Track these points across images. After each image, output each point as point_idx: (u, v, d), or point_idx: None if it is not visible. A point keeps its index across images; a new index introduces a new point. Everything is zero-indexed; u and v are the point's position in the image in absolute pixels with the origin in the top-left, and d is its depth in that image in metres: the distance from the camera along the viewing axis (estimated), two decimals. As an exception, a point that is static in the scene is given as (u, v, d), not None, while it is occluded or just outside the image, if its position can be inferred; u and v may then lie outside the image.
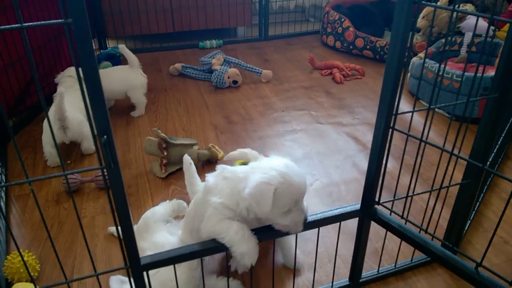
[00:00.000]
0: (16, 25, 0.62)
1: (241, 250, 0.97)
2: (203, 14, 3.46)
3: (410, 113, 1.02)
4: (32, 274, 1.29)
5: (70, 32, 0.63)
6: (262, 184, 0.95)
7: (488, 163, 0.92)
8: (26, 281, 1.26)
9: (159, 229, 1.35)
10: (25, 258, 1.29)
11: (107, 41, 3.36)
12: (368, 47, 3.13)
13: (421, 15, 2.85)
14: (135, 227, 1.43)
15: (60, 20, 0.62)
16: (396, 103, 0.98)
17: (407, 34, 0.90)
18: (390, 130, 1.01)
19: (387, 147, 1.03)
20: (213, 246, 1.00)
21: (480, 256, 0.90)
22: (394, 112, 0.98)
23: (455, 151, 0.95)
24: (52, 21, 0.63)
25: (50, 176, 0.77)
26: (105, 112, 0.69)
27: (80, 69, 0.65)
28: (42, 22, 0.63)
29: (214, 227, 1.01)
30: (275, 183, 0.95)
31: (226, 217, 1.01)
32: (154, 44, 3.48)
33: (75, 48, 0.65)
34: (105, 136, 0.69)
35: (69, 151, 2.01)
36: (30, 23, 0.63)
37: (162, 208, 1.45)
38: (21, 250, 1.27)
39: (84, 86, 0.66)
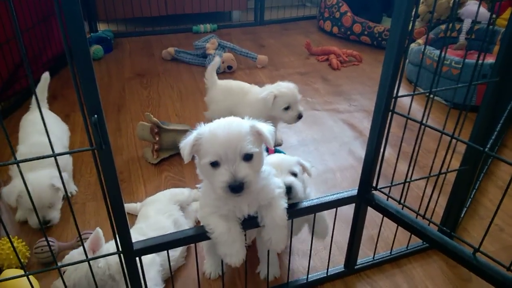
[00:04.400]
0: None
1: (224, 251, 0.95)
2: (197, -3, 3.39)
3: (408, 101, 1.00)
4: (22, 260, 1.26)
5: (59, 8, 0.59)
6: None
7: (487, 148, 0.90)
8: (16, 268, 1.24)
9: (169, 213, 1.31)
10: (14, 245, 1.26)
11: (98, 24, 3.28)
12: (366, 32, 3.09)
13: (420, 0, 2.81)
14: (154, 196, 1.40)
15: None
16: (396, 87, 0.95)
17: (409, 19, 0.87)
18: (390, 113, 0.98)
19: (386, 131, 1.01)
20: (205, 232, 0.97)
21: (476, 243, 0.89)
22: (394, 96, 0.96)
23: (454, 139, 0.93)
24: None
25: (40, 157, 0.74)
26: (95, 90, 0.66)
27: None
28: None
29: (204, 218, 0.99)
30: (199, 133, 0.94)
31: (214, 212, 0.97)
32: (147, 28, 3.41)
33: (65, 26, 0.61)
34: (95, 116, 0.66)
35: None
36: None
37: (188, 192, 1.46)
38: (10, 236, 1.24)
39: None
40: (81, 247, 0.92)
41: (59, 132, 1.66)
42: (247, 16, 3.74)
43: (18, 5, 2.19)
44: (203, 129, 0.92)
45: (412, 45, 2.49)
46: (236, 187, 0.87)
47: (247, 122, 0.93)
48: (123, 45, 3.15)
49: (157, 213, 1.30)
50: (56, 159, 0.74)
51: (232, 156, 0.87)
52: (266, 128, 0.93)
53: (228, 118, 0.94)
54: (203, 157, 0.90)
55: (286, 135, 2.02)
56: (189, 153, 0.90)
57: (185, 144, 0.91)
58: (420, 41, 2.56)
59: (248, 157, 0.89)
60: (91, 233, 1.35)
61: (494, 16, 1.76)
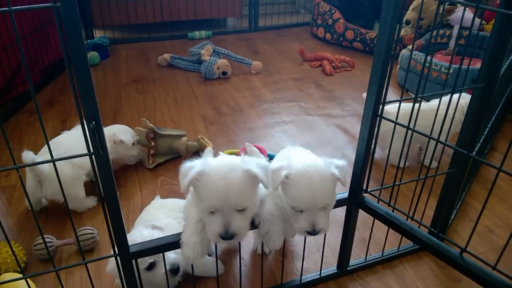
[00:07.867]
0: (4, 8, 0.61)
1: (183, 238, 0.96)
2: (192, 4, 3.42)
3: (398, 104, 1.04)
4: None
5: (58, 17, 0.62)
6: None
7: (475, 152, 0.93)
8: (14, 272, 1.25)
9: (178, 220, 1.28)
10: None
11: (94, 31, 3.31)
12: (358, 39, 3.14)
13: (411, 7, 2.87)
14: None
15: (48, 4, 0.61)
16: (383, 93, 0.99)
17: (395, 25, 0.91)
18: (378, 118, 1.02)
19: (375, 135, 1.04)
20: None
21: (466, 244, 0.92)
22: (381, 101, 0.99)
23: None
24: (40, 5, 0.62)
25: (38, 163, 0.76)
26: (93, 97, 0.68)
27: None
28: (30, 6, 0.62)
29: (185, 209, 1.03)
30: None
31: (193, 217, 0.98)
32: (142, 34, 3.44)
33: (64, 34, 0.64)
34: (93, 122, 0.68)
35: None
36: (18, 7, 0.62)
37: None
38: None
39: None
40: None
41: None
42: (241, 22, 3.78)
43: (15, 13, 2.22)
44: (206, 166, 0.89)
45: (404, 51, 2.54)
46: (228, 238, 0.90)
47: (243, 165, 0.89)
48: (119, 51, 3.18)
49: (167, 217, 1.28)
50: (54, 164, 0.77)
51: (227, 208, 0.88)
52: (261, 169, 0.90)
53: (229, 161, 0.92)
54: (199, 199, 0.90)
55: (280, 140, 2.05)
56: (187, 186, 0.89)
57: (186, 174, 0.89)
58: (411, 47, 2.61)
59: (242, 209, 0.90)
60: (90, 229, 1.39)
61: (484, 23, 1.81)
